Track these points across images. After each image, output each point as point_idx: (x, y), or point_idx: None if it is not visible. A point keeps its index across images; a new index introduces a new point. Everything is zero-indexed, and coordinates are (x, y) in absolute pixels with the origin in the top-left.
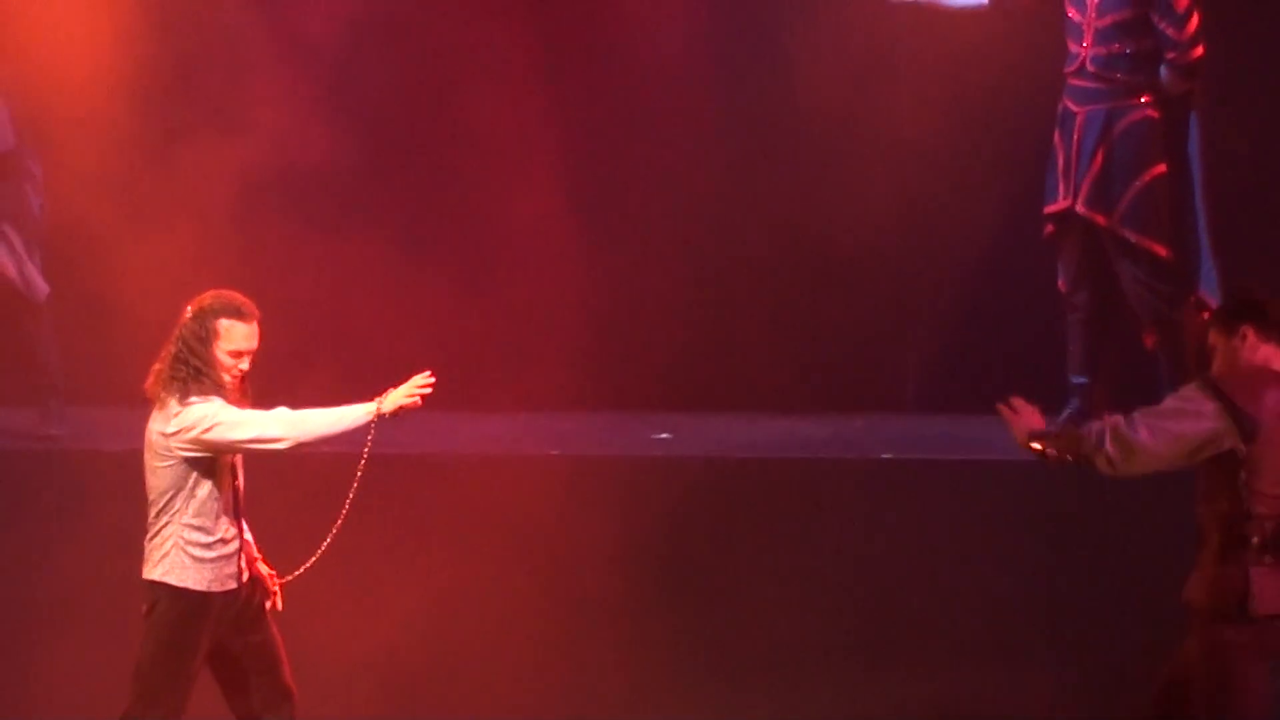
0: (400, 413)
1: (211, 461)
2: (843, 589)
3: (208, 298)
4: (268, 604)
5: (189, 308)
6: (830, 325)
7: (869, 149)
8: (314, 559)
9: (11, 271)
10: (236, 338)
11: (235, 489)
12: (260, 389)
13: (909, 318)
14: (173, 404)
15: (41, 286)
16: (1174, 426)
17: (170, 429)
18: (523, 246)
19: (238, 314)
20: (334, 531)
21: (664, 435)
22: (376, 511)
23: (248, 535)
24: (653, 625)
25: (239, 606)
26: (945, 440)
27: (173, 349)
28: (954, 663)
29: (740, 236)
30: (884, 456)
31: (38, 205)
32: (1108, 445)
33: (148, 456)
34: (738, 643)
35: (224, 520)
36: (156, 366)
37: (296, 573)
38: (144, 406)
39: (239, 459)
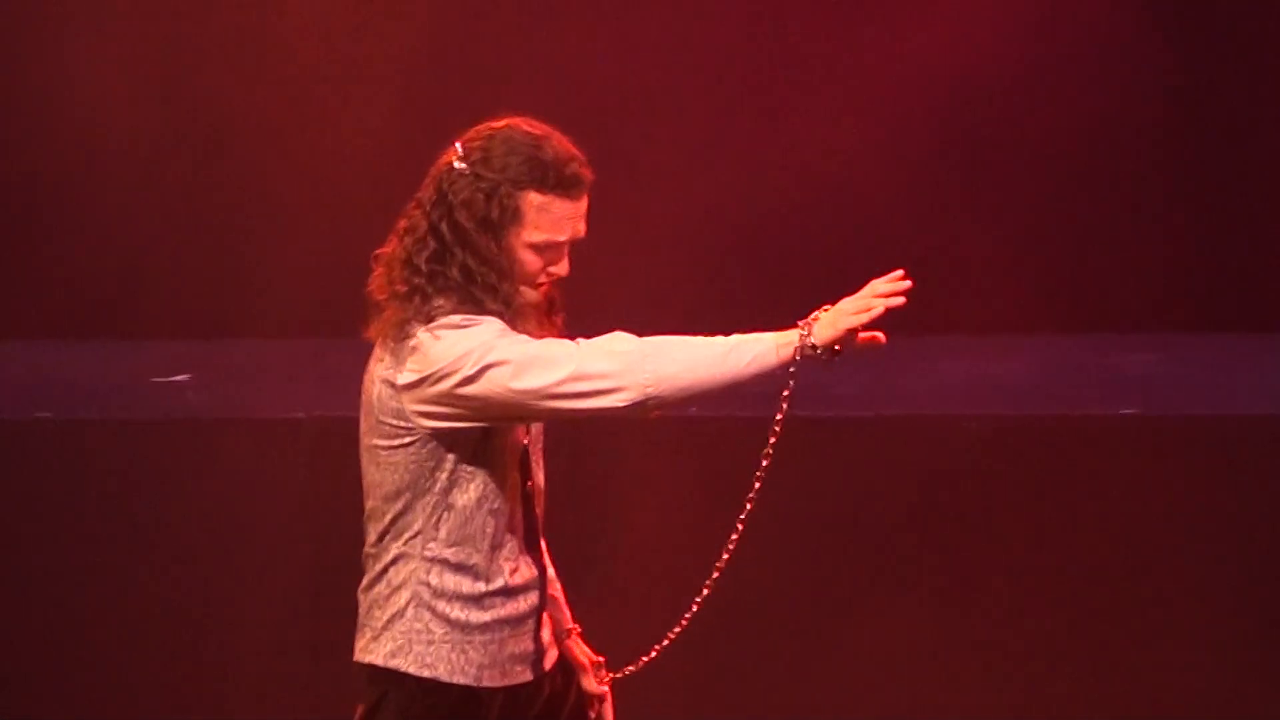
0: (845, 350)
1: (484, 439)
2: None
3: (499, 137)
4: (592, 714)
5: (457, 149)
6: None
7: None
8: (680, 628)
9: None
10: (550, 224)
11: (529, 491)
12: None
13: None
14: (418, 331)
15: None
16: None
17: (405, 377)
18: None
19: (559, 184)
20: (716, 572)
21: None
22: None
23: (552, 580)
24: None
25: (538, 710)
26: None
27: (419, 229)
28: None
29: None
30: None
31: None
32: None
33: (364, 431)
34: None
35: (506, 552)
36: (382, 259)
37: (647, 657)
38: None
39: (535, 433)
